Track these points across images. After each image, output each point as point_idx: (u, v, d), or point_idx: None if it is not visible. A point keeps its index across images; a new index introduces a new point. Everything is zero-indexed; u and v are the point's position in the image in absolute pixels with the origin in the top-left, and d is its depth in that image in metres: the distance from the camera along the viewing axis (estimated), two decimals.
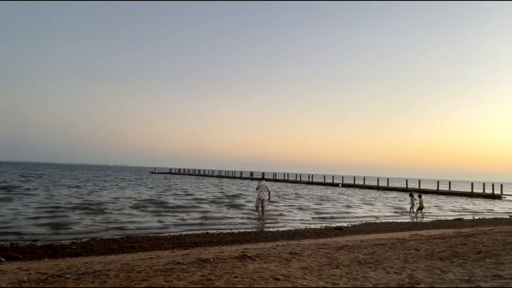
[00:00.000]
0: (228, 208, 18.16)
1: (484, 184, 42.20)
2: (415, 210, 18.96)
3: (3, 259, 6.65)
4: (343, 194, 35.14)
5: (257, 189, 14.73)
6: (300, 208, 19.45)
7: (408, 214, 19.13)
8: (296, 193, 32.46)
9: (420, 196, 18.63)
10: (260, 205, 14.56)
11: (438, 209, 23.04)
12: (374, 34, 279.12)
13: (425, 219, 16.90)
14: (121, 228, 11.39)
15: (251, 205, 17.67)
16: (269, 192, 14.53)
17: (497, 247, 6.71)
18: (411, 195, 19.07)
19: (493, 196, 37.90)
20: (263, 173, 16.73)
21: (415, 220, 16.67)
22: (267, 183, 14.72)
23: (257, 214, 14.72)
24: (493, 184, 40.37)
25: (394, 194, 38.77)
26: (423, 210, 18.57)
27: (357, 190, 45.36)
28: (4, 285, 4.13)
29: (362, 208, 21.60)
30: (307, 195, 30.44)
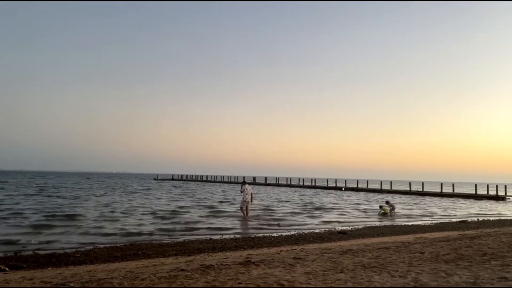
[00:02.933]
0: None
1: (488, 185, 41.94)
2: (394, 211, 20.67)
3: (7, 269, 6.65)
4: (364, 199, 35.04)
5: (241, 192, 16.43)
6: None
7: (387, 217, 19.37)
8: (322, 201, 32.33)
9: (380, 207, 20.64)
10: (244, 207, 16.21)
11: (442, 211, 22.91)
12: (373, 35, 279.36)
13: (425, 223, 16.86)
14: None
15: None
16: (251, 194, 16.34)
17: (503, 249, 6.67)
18: (387, 202, 20.44)
19: (497, 198, 37.69)
20: (244, 177, 20.42)
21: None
22: (249, 187, 16.54)
23: (242, 215, 16.25)
24: (497, 186, 40.14)
25: (395, 197, 38.64)
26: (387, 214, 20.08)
27: (361, 193, 45.23)
28: None
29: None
30: (343, 202, 30.33)
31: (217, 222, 14.90)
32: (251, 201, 16.43)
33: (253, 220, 15.70)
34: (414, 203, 29.46)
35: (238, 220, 15.61)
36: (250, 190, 16.26)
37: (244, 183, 16.77)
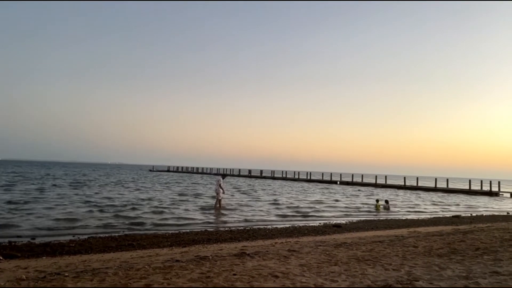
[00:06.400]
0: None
1: (481, 181, 42.28)
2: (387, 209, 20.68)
3: (1, 257, 6.63)
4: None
5: (220, 188, 17.01)
6: None
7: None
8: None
9: (377, 201, 20.90)
10: (217, 199, 16.83)
11: (435, 206, 23.09)
12: (374, 34, 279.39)
13: (417, 217, 16.99)
14: None
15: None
16: (221, 187, 17.01)
17: (495, 243, 6.74)
18: (386, 202, 20.85)
19: (490, 193, 38.04)
20: (217, 169, 21.56)
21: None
22: (219, 178, 17.26)
23: (217, 207, 16.65)
24: (490, 181, 40.47)
25: (390, 191, 38.89)
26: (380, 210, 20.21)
27: (355, 187, 45.42)
28: (2, 284, 4.12)
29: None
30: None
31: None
32: (223, 192, 17.17)
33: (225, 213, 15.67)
34: (408, 198, 29.64)
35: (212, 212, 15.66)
36: (221, 182, 17.05)
37: (224, 175, 17.97)
